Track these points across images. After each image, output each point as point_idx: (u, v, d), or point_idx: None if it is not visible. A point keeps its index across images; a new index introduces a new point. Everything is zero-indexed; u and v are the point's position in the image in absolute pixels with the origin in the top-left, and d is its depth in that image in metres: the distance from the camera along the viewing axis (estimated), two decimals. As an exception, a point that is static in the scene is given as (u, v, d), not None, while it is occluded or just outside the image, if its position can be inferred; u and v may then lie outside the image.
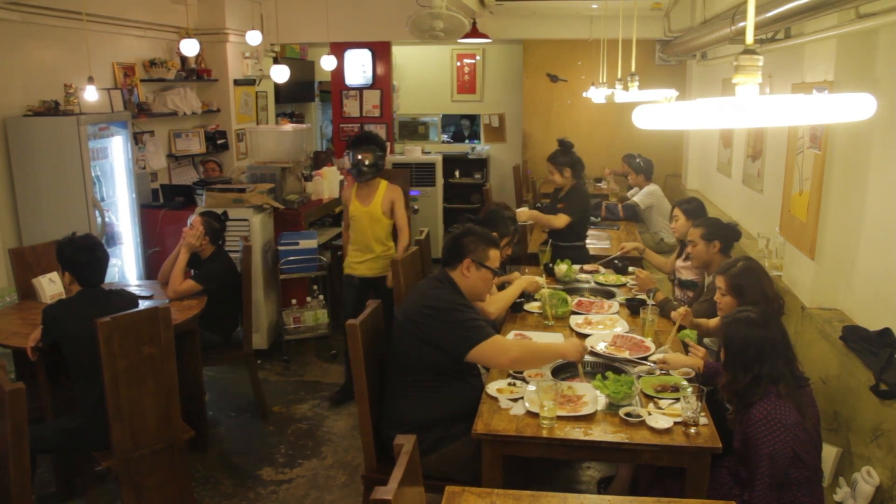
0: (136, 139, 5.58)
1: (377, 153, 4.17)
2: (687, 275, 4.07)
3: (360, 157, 4.14)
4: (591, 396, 2.48)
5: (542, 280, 3.53)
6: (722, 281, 2.82)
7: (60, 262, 3.02)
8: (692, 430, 2.27)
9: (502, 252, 3.62)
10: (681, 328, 3.16)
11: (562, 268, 4.02)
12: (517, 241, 3.80)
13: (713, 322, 3.13)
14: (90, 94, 4.54)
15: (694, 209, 4.06)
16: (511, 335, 3.11)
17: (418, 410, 2.59)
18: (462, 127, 9.75)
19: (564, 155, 4.76)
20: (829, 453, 2.73)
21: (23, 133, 4.48)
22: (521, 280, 3.54)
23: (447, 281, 2.73)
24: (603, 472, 3.46)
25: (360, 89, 8.22)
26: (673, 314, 3.11)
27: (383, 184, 4.28)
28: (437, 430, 2.58)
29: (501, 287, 3.75)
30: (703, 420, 2.30)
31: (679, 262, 4.23)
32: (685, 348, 2.92)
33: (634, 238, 5.19)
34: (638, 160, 6.27)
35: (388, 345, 2.75)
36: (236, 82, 6.85)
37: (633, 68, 4.16)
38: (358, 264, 4.30)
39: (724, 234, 3.51)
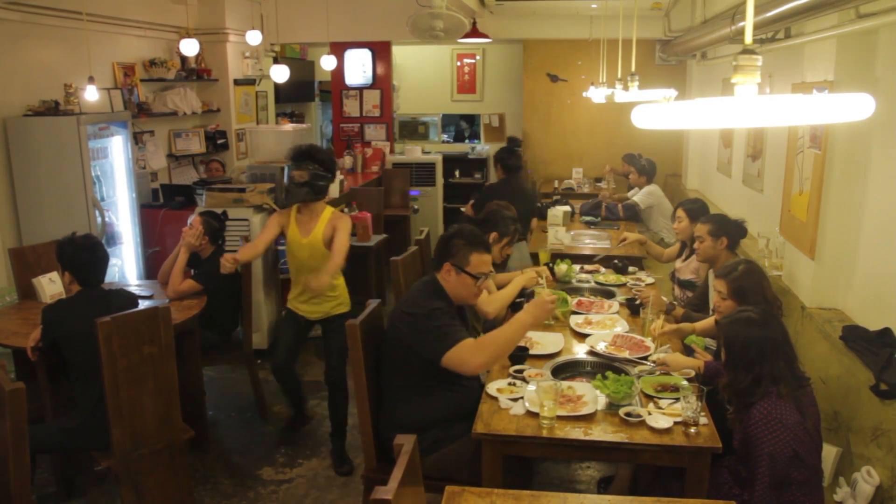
0: (136, 139, 5.58)
1: (316, 171, 3.50)
2: (687, 275, 4.07)
3: (293, 173, 3.50)
4: (591, 396, 2.47)
5: (543, 273, 3.53)
6: (723, 285, 2.81)
7: (60, 262, 3.02)
8: (692, 429, 2.27)
9: (502, 251, 3.62)
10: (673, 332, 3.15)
11: (562, 268, 4.02)
12: (517, 241, 3.80)
13: (701, 324, 3.11)
14: (90, 94, 4.54)
15: (698, 209, 4.07)
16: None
17: (416, 412, 2.58)
18: (462, 127, 9.76)
19: (500, 152, 5.20)
20: (829, 453, 2.72)
21: (23, 133, 4.48)
22: (520, 278, 3.53)
23: (432, 284, 2.69)
24: (603, 472, 3.46)
25: (360, 89, 8.22)
26: (651, 328, 3.07)
27: (328, 210, 3.64)
28: (435, 430, 2.57)
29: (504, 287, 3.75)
30: (703, 420, 2.30)
31: (679, 263, 4.24)
32: (689, 353, 2.91)
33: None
34: (643, 162, 6.26)
35: (382, 349, 2.73)
36: (236, 82, 6.85)
37: (633, 68, 4.17)
38: (301, 303, 3.68)
39: (732, 230, 3.53)
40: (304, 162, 3.50)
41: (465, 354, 2.44)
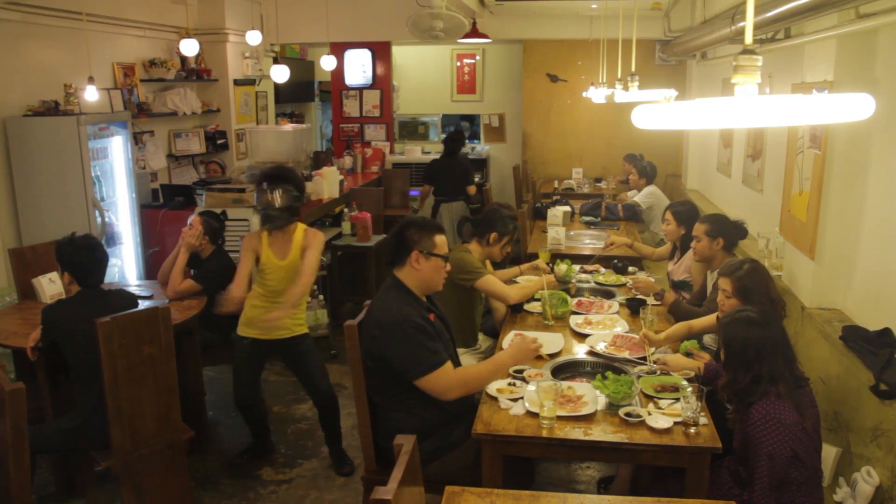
0: (136, 139, 5.58)
1: (292, 193, 3.34)
2: (679, 275, 4.08)
3: (270, 198, 3.32)
4: (591, 396, 2.47)
5: (549, 277, 3.55)
6: (728, 283, 2.80)
7: (60, 263, 3.02)
8: (692, 430, 2.27)
9: (503, 250, 3.61)
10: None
11: (561, 268, 4.02)
12: (516, 240, 3.80)
13: (701, 323, 3.10)
14: (90, 94, 4.54)
15: (686, 212, 4.06)
16: (511, 335, 3.11)
17: (411, 421, 2.53)
18: (462, 127, 9.76)
19: (446, 136, 7.01)
20: (829, 453, 2.73)
21: (23, 133, 4.48)
22: (543, 278, 3.52)
23: (395, 286, 2.62)
24: (603, 472, 3.46)
25: (360, 89, 8.23)
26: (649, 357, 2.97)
27: (300, 228, 3.46)
28: (434, 438, 2.54)
29: (508, 284, 3.74)
30: (703, 420, 2.30)
31: (670, 266, 4.24)
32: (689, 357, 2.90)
33: (634, 238, 5.19)
34: (645, 164, 6.25)
35: (364, 362, 2.64)
36: (236, 82, 6.85)
37: (633, 68, 4.17)
38: (255, 327, 3.42)
39: (729, 231, 3.52)
40: (280, 184, 3.32)
41: (442, 386, 2.46)
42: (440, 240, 2.65)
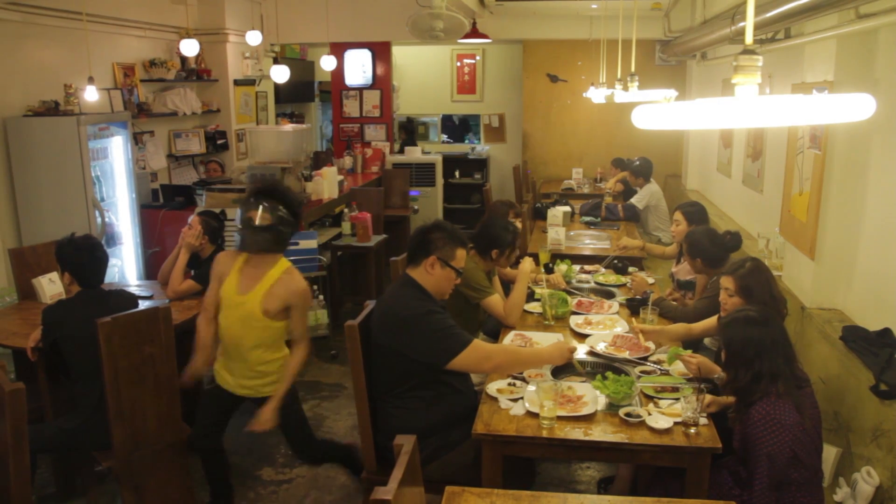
0: (136, 139, 5.58)
1: (283, 216, 2.76)
2: (685, 275, 4.07)
3: (251, 214, 2.73)
4: (591, 396, 2.47)
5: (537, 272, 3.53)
6: (730, 282, 2.80)
7: (60, 263, 3.02)
8: (692, 430, 2.27)
9: (508, 259, 3.58)
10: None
11: (561, 268, 4.02)
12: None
13: (702, 325, 3.10)
14: (90, 94, 4.55)
15: (696, 212, 4.06)
16: (511, 335, 3.11)
17: (413, 420, 2.53)
18: (456, 124, 9.78)
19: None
20: (829, 453, 2.73)
21: (23, 133, 4.48)
22: (523, 270, 3.43)
23: (409, 283, 2.63)
24: (603, 472, 3.46)
25: (360, 89, 8.23)
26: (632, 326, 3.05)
27: (279, 266, 2.82)
28: (435, 437, 2.55)
29: (504, 285, 3.74)
30: (703, 420, 2.30)
31: (674, 266, 4.24)
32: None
33: (634, 238, 5.19)
34: (636, 163, 6.21)
35: (368, 361, 2.64)
36: (236, 82, 6.85)
37: (632, 68, 4.17)
38: (227, 373, 2.92)
39: (706, 252, 3.43)
40: (270, 201, 2.75)
41: (482, 356, 2.53)
42: (461, 254, 2.67)
